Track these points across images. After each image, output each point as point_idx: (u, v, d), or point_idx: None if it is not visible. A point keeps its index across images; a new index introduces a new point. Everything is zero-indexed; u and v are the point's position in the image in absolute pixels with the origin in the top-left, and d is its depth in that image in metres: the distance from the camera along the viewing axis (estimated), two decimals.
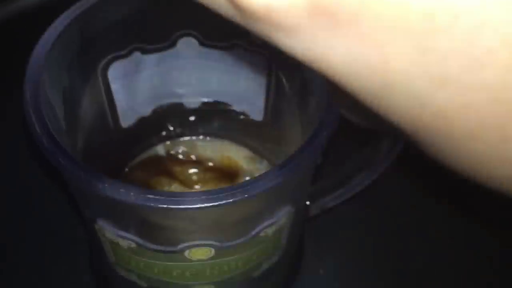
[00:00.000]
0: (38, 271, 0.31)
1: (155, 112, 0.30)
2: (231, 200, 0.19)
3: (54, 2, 0.34)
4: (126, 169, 0.32)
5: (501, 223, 0.33)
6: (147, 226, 0.21)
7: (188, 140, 0.32)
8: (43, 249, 0.32)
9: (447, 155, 0.14)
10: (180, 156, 0.32)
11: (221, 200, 0.19)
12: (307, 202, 0.29)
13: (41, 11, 0.35)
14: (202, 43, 0.27)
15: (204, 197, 0.19)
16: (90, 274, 0.31)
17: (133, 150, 0.32)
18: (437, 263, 0.32)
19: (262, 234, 0.22)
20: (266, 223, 0.22)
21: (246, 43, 0.27)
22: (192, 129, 0.32)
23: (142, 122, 0.30)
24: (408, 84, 0.13)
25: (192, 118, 0.31)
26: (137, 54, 0.27)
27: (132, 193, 0.18)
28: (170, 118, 0.31)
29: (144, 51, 0.27)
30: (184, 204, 0.18)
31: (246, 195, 0.19)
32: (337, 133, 0.22)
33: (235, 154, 0.32)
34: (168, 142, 0.32)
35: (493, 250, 0.33)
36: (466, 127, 0.13)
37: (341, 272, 0.32)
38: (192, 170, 0.31)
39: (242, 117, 0.31)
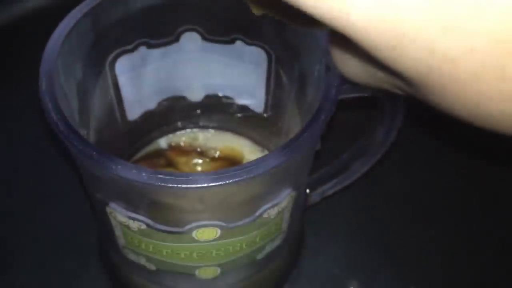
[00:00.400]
0: (47, 262, 0.32)
1: (159, 105, 0.31)
2: (237, 179, 0.20)
3: (62, 2, 0.36)
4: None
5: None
6: (157, 207, 0.22)
7: (191, 132, 0.33)
8: (52, 240, 0.33)
9: (452, 98, 0.16)
10: (184, 148, 0.33)
11: (228, 179, 0.20)
12: (307, 190, 0.30)
13: (50, 11, 0.37)
14: (204, 38, 0.29)
15: (211, 176, 0.20)
16: (98, 266, 0.32)
17: (138, 143, 0.33)
18: (436, 250, 0.33)
19: (265, 215, 0.23)
20: (269, 204, 0.23)
21: (246, 37, 0.29)
22: (195, 122, 0.33)
23: (148, 116, 0.31)
24: (419, 33, 0.14)
25: (195, 111, 0.32)
26: (142, 49, 0.28)
27: (143, 173, 0.20)
28: (174, 111, 0.32)
29: (150, 46, 0.28)
30: (193, 183, 0.20)
31: (251, 174, 0.20)
32: (334, 123, 0.24)
33: (237, 145, 0.33)
34: (171, 135, 0.33)
35: (494, 243, 0.34)
36: (470, 69, 0.14)
37: (340, 259, 0.33)
38: (196, 161, 0.33)
39: (243, 109, 0.32)
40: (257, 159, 0.20)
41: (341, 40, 0.20)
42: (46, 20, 0.24)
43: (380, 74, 0.19)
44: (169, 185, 0.20)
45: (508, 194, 0.35)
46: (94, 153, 0.20)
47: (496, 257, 0.33)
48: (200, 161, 0.33)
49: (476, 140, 0.34)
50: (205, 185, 0.20)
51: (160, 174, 0.20)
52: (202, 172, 0.32)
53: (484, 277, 0.33)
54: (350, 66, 0.20)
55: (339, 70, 0.21)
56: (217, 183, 0.20)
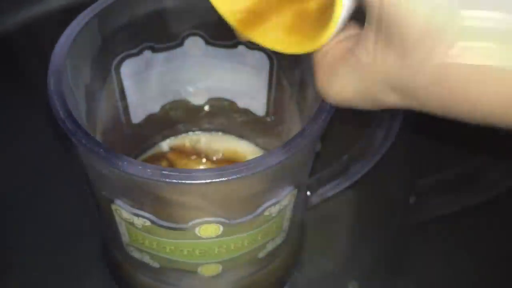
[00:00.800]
0: (49, 261, 0.32)
1: (163, 108, 0.32)
2: (239, 176, 0.20)
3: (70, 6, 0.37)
4: None
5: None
6: (161, 204, 0.23)
7: (193, 135, 0.34)
8: (54, 240, 0.33)
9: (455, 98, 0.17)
10: (186, 151, 0.34)
11: (230, 175, 0.20)
12: (308, 193, 0.31)
13: (58, 14, 0.38)
14: (208, 42, 0.30)
15: (214, 172, 0.20)
16: (101, 266, 0.32)
17: (142, 145, 0.34)
18: (436, 250, 0.34)
19: (266, 213, 0.24)
20: (270, 202, 0.24)
21: (249, 42, 0.29)
22: (198, 125, 0.34)
23: (151, 119, 0.32)
24: None
25: (198, 114, 0.33)
26: (147, 53, 0.29)
27: (149, 170, 0.20)
28: (177, 114, 0.33)
29: (154, 50, 0.29)
30: (195, 179, 0.20)
31: (253, 171, 0.21)
32: (334, 126, 0.24)
33: (239, 148, 0.34)
34: (174, 137, 0.34)
35: (493, 241, 0.34)
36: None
37: (340, 259, 0.33)
38: (197, 164, 0.33)
39: (245, 112, 0.33)
40: (258, 157, 0.21)
41: (329, 59, 0.21)
42: (55, 23, 0.25)
43: (373, 90, 0.19)
44: (173, 180, 0.20)
45: (506, 192, 0.36)
46: (101, 150, 0.21)
47: (495, 257, 0.34)
48: (202, 163, 0.33)
49: (476, 140, 0.35)
50: (208, 181, 0.20)
51: (165, 171, 0.20)
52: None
53: (482, 276, 0.33)
54: (338, 85, 0.20)
55: (323, 95, 0.21)
56: (219, 179, 0.20)
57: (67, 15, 0.25)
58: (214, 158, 0.33)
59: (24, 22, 0.38)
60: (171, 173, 0.20)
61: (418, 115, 0.26)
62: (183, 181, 0.20)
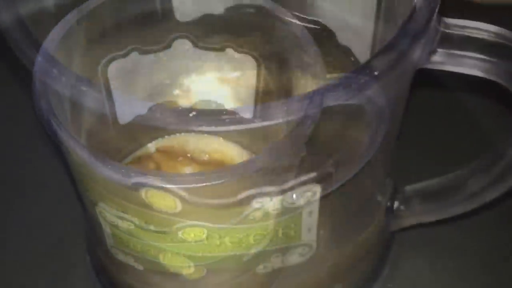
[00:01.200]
0: (34, 263, 0.32)
1: (150, 110, 0.32)
2: (221, 181, 0.21)
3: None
4: None
5: None
6: (145, 207, 0.23)
7: (180, 137, 0.34)
8: (39, 242, 0.33)
9: None
10: (173, 153, 0.34)
11: (212, 180, 0.21)
12: (294, 196, 0.31)
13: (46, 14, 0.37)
14: (195, 45, 0.30)
15: (197, 177, 0.21)
16: (86, 267, 0.32)
17: (129, 147, 0.34)
18: (418, 257, 0.34)
19: (251, 217, 0.24)
20: (255, 206, 0.24)
21: (236, 45, 0.30)
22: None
23: (138, 120, 0.32)
24: None
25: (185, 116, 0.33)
26: (134, 54, 0.29)
27: (132, 173, 0.20)
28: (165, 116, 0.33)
29: (141, 52, 0.29)
30: (178, 184, 0.20)
31: (235, 176, 0.21)
32: (319, 131, 0.24)
33: (226, 150, 0.34)
34: (161, 139, 0.34)
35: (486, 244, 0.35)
36: None
37: (324, 262, 0.33)
38: (184, 165, 0.33)
39: (233, 115, 0.32)
40: (241, 162, 0.21)
41: None
42: (42, 24, 0.25)
43: None
44: (156, 184, 0.20)
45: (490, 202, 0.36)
46: (85, 152, 0.21)
47: (479, 264, 0.34)
48: (188, 165, 0.33)
49: (462, 150, 0.35)
50: (191, 185, 0.20)
51: (149, 174, 0.20)
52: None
53: (466, 283, 0.33)
54: None
55: None
56: (201, 184, 0.20)
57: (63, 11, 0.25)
58: (202, 160, 0.33)
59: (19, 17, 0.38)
60: (155, 177, 0.20)
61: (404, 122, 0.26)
62: (166, 185, 0.20)
